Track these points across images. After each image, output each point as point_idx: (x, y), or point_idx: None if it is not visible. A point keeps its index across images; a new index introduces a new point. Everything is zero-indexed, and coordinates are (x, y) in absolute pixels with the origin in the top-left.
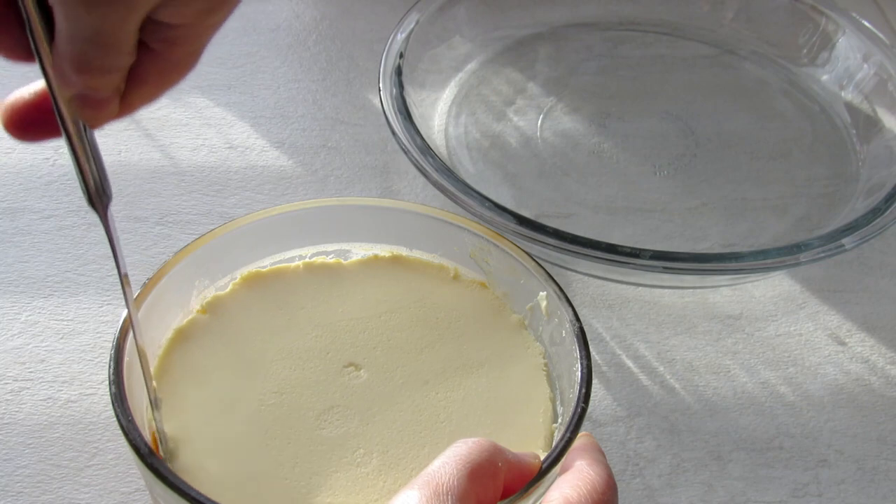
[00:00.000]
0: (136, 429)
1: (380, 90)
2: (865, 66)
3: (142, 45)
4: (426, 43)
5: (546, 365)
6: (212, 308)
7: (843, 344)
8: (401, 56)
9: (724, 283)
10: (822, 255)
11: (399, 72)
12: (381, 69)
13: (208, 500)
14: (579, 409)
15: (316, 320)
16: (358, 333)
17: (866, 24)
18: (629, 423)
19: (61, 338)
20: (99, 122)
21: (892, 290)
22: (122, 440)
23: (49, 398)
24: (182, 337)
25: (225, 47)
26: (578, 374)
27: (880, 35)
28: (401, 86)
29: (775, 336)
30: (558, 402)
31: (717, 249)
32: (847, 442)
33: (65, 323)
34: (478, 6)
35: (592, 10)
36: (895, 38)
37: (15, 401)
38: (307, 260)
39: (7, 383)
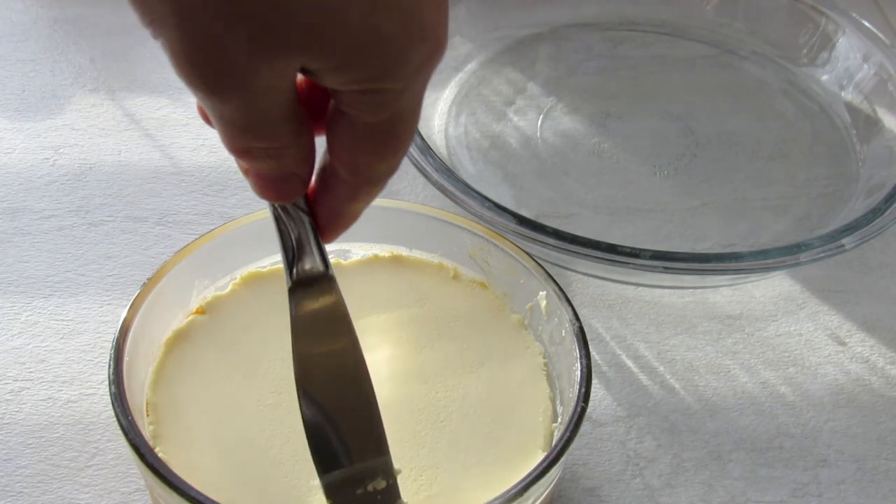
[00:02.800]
0: (135, 429)
1: None
2: (865, 66)
3: (338, 113)
4: None
5: (546, 364)
6: (211, 308)
7: (843, 344)
8: None
9: (724, 283)
10: (823, 255)
11: None
12: None
13: (208, 499)
14: (579, 409)
15: None
16: (357, 333)
17: (866, 24)
18: (629, 423)
19: (61, 338)
20: (280, 200)
21: (892, 290)
22: (123, 440)
23: (49, 398)
24: (181, 337)
25: None
26: (578, 373)
27: (880, 35)
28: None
29: (775, 336)
30: (558, 402)
31: (717, 249)
32: (847, 442)
33: (65, 323)
34: (478, 6)
35: (592, 10)
36: (895, 38)
37: (15, 401)
38: None
39: (7, 383)
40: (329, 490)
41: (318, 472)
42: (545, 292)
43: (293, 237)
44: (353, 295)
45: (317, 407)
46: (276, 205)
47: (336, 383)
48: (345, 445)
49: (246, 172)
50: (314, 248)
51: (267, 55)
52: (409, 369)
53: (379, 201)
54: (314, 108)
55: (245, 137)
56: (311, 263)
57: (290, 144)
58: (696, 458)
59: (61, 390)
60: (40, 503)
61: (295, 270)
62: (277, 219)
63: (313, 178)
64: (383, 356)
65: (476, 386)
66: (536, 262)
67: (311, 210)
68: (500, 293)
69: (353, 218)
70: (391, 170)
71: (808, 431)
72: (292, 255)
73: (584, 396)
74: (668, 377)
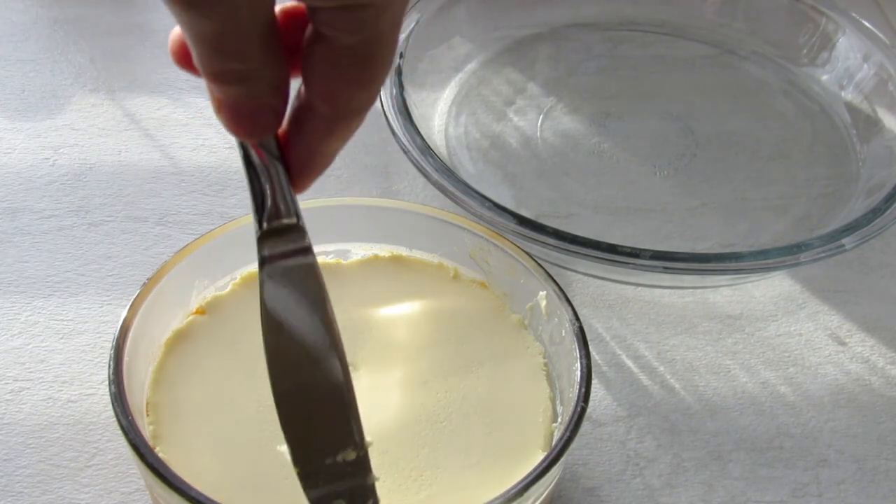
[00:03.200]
0: (135, 429)
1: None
2: (865, 66)
3: (317, 37)
4: (426, 43)
5: (546, 364)
6: (211, 308)
7: (843, 344)
8: (401, 56)
9: (724, 283)
10: (822, 255)
11: (399, 72)
12: None
13: (208, 499)
14: (579, 409)
15: None
16: (357, 333)
17: (866, 24)
18: (629, 423)
19: (61, 338)
20: (252, 134)
21: (892, 290)
22: (123, 440)
23: (49, 398)
24: (181, 337)
25: None
26: (578, 373)
27: (880, 35)
28: (401, 86)
29: (775, 336)
30: (558, 402)
31: (717, 249)
32: (847, 442)
33: (65, 323)
34: (478, 6)
35: (592, 10)
36: (895, 38)
37: (15, 401)
38: None
39: (7, 383)
40: (296, 458)
41: (289, 445)
42: (545, 292)
43: (263, 183)
44: (354, 295)
45: (287, 381)
46: (247, 146)
47: (306, 355)
48: (314, 419)
49: (219, 108)
50: (286, 196)
51: None
52: (409, 370)
53: (379, 201)
54: (291, 48)
55: (219, 58)
56: (281, 212)
57: (265, 67)
58: (697, 458)
59: (61, 390)
60: (40, 503)
61: (264, 218)
62: (247, 163)
63: (285, 122)
64: (383, 356)
65: (476, 386)
66: (536, 262)
67: (283, 156)
68: (500, 293)
69: (328, 159)
70: (370, 99)
71: (808, 431)
72: (261, 201)
73: (584, 396)
74: (668, 377)
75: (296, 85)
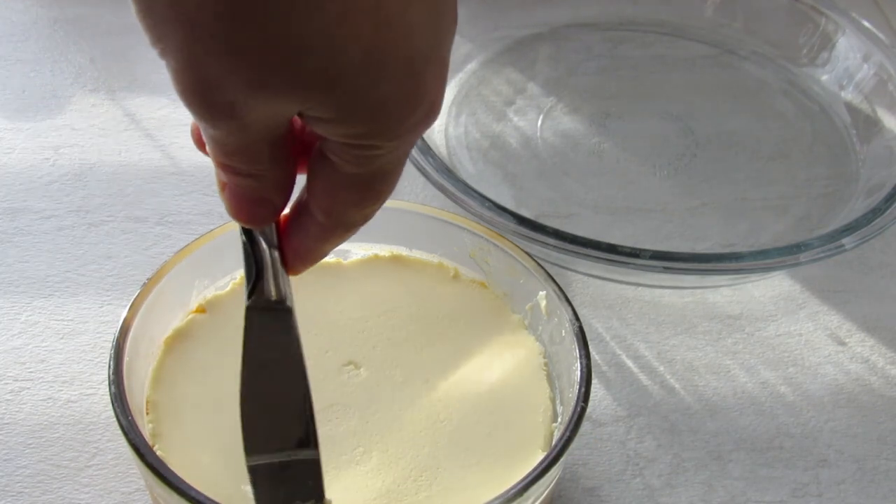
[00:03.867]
0: (135, 429)
1: None
2: (865, 66)
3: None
4: None
5: (546, 364)
6: (211, 307)
7: (843, 344)
8: None
9: (724, 283)
10: (822, 255)
11: None
12: None
13: (208, 499)
14: (579, 409)
15: (315, 319)
16: (357, 332)
17: (866, 24)
18: (629, 423)
19: (61, 338)
20: (251, 223)
21: (892, 290)
22: (123, 440)
23: (49, 398)
24: (181, 336)
25: None
26: (578, 373)
27: (880, 35)
28: None
29: (775, 336)
30: (558, 402)
31: (717, 249)
32: (847, 442)
33: (65, 323)
34: (478, 6)
35: (592, 10)
36: (895, 38)
37: (15, 401)
38: None
39: (7, 383)
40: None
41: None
42: (545, 292)
43: (258, 263)
44: (353, 295)
45: (254, 384)
46: (247, 229)
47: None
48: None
49: (222, 190)
50: (279, 280)
51: (265, 98)
52: (409, 369)
53: None
54: (302, 144)
55: (231, 159)
56: (270, 291)
57: (270, 170)
58: (696, 458)
59: (61, 390)
60: (40, 503)
61: (254, 292)
62: (245, 242)
63: (288, 208)
64: (383, 356)
65: (476, 386)
66: (536, 262)
67: (280, 241)
68: (500, 293)
69: (320, 257)
70: (366, 218)
71: (808, 431)
72: (254, 278)
73: (584, 396)
74: (668, 377)
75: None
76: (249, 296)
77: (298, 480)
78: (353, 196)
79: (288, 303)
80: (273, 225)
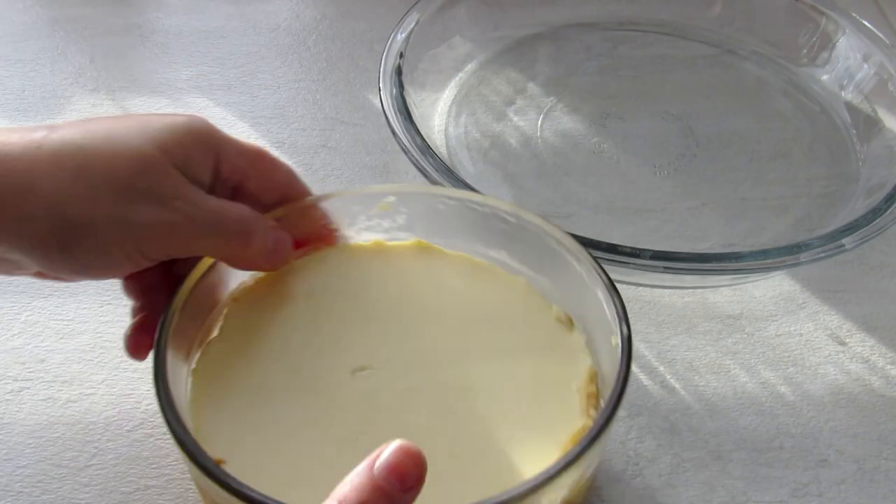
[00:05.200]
0: (196, 445)
1: (380, 90)
2: (865, 66)
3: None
4: (426, 43)
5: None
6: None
7: (843, 344)
8: (401, 56)
9: (724, 283)
10: (823, 255)
11: (399, 72)
12: (381, 69)
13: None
14: (619, 387)
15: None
16: (403, 318)
17: (866, 24)
18: (629, 423)
19: (61, 338)
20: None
21: (892, 290)
22: (123, 440)
23: (49, 398)
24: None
25: (225, 47)
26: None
27: (880, 35)
28: (401, 86)
29: (775, 336)
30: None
31: (717, 249)
32: (847, 442)
33: (65, 323)
34: (478, 6)
35: (592, 10)
36: (895, 37)
37: (15, 401)
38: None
39: (7, 383)
40: None
41: None
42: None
43: None
44: (394, 275)
45: None
46: None
47: None
48: None
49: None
50: None
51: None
52: (451, 353)
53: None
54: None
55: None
56: None
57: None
58: (697, 458)
59: (61, 390)
60: (40, 503)
61: None
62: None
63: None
64: (428, 339)
65: (516, 372)
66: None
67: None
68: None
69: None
70: None
71: (808, 431)
72: None
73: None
74: (668, 377)
75: None
76: None
77: None
78: None
79: None
80: None
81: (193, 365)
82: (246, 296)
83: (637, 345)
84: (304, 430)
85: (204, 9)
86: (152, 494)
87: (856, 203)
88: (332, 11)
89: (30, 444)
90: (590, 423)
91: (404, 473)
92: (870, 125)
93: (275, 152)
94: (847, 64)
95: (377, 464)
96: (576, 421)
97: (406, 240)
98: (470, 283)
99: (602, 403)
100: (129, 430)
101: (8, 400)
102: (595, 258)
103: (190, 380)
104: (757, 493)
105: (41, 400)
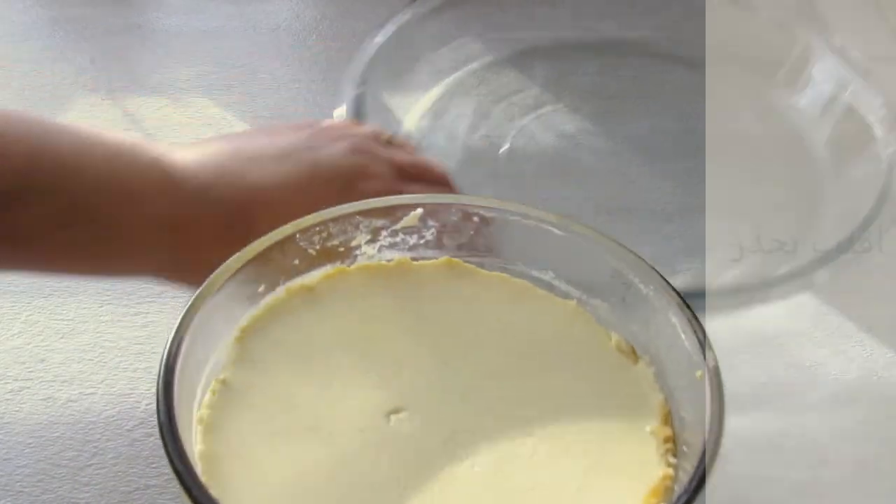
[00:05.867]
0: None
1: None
2: (843, 90)
3: None
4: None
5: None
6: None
7: (843, 344)
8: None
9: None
10: (793, 290)
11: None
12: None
13: None
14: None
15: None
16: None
17: (846, 47)
18: None
19: (61, 338)
20: None
21: (893, 290)
22: (122, 440)
23: (49, 398)
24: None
25: (225, 47)
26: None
27: (859, 59)
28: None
29: (775, 336)
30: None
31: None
32: (847, 442)
33: (65, 323)
34: (478, 6)
35: (592, 10)
36: (877, 59)
37: (15, 401)
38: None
39: (7, 383)
40: None
41: None
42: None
43: None
44: (430, 303)
45: None
46: None
47: None
48: None
49: None
50: None
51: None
52: (497, 391)
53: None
54: None
55: None
56: None
57: None
58: None
59: (61, 390)
60: (40, 502)
61: None
62: None
63: None
64: (468, 375)
65: (577, 413)
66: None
67: None
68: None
69: None
70: None
71: (808, 431)
72: None
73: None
74: None
75: None
76: None
77: None
78: None
79: None
80: None
81: (200, 409)
82: (255, 324)
83: None
84: (332, 487)
85: (204, 9)
86: (152, 494)
87: (829, 228)
88: (332, 11)
89: (30, 443)
90: (670, 471)
91: None
92: (846, 150)
93: None
94: (825, 87)
95: None
96: (654, 470)
97: (435, 258)
98: (512, 308)
99: (682, 448)
100: (128, 430)
101: (8, 400)
102: (664, 277)
103: (198, 427)
104: (757, 492)
105: (41, 400)
